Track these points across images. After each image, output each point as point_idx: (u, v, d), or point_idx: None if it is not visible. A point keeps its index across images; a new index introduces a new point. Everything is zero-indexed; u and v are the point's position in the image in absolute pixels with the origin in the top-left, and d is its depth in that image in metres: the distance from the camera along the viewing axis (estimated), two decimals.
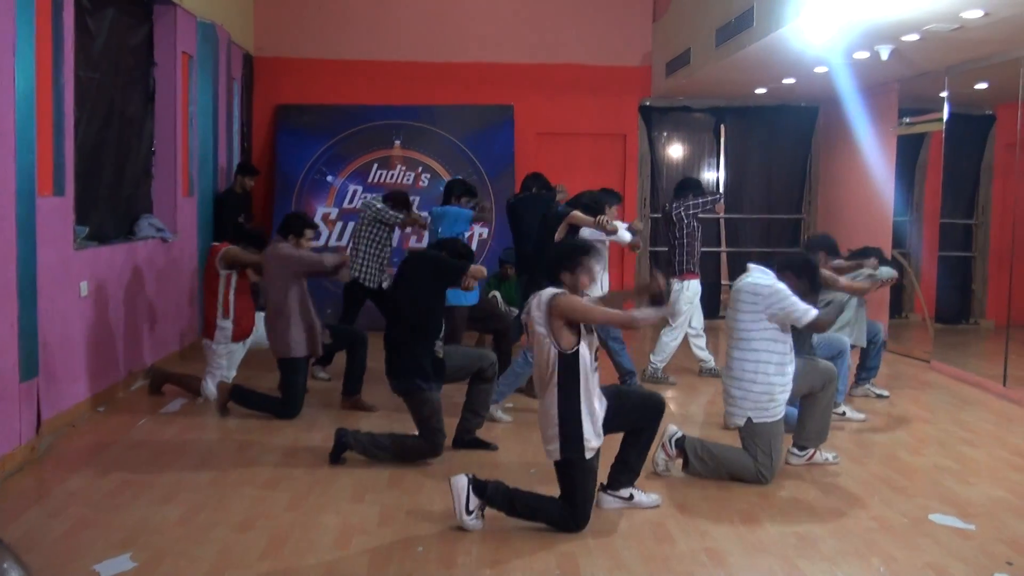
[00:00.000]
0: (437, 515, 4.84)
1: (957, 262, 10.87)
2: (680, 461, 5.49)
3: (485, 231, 11.20)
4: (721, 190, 11.97)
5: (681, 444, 5.45)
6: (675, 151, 12.27)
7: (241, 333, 7.22)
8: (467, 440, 6.03)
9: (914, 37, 7.50)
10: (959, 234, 10.88)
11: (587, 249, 4.82)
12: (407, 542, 4.49)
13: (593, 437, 4.66)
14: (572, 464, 4.64)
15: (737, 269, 11.84)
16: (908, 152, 10.36)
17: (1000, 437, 6.59)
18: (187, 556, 4.28)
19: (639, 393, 5.23)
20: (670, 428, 5.50)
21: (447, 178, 11.15)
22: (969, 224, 10.98)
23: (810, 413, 5.74)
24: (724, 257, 12.36)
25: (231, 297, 7.09)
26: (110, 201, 7.54)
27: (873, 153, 10.53)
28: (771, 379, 5.36)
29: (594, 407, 4.69)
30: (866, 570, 4.27)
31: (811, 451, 5.78)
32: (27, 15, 5.59)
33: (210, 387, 7.11)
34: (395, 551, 4.38)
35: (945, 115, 9.08)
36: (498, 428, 6.50)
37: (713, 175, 12.25)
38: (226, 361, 7.22)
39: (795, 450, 5.78)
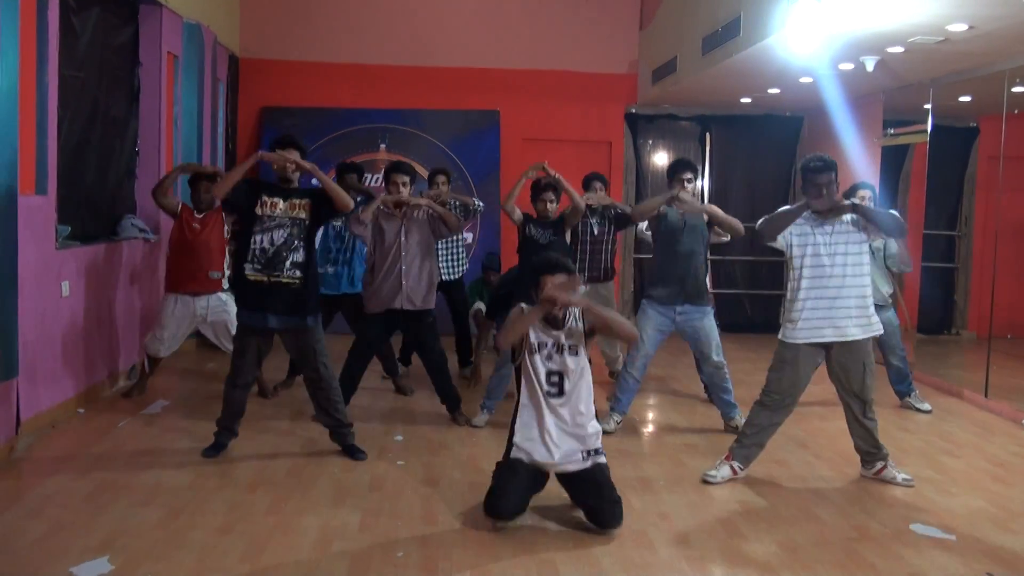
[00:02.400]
0: (417, 520, 4.82)
1: (940, 273, 10.91)
2: None
3: (469, 235, 11.18)
4: (706, 198, 12.04)
5: None
6: (660, 159, 12.28)
7: (169, 285, 7.30)
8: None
9: (899, 49, 7.54)
10: (942, 245, 10.92)
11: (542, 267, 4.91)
12: (387, 547, 4.47)
13: (523, 444, 4.85)
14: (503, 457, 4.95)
15: (721, 277, 11.89)
16: (892, 163, 10.39)
17: (980, 448, 6.61)
18: (165, 559, 4.25)
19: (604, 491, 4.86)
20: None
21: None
22: (952, 236, 11.03)
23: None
24: (708, 266, 12.35)
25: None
26: (93, 201, 7.50)
27: (857, 163, 10.55)
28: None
29: (533, 419, 4.86)
30: None
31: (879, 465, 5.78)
32: (11, 13, 5.57)
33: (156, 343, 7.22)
34: (375, 556, 4.36)
35: (929, 127, 9.13)
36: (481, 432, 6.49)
37: (698, 184, 12.27)
38: (164, 322, 7.23)
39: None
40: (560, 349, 4.86)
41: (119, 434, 6.31)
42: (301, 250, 5.60)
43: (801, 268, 5.43)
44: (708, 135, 12.21)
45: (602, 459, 4.89)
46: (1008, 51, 7.45)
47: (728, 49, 8.29)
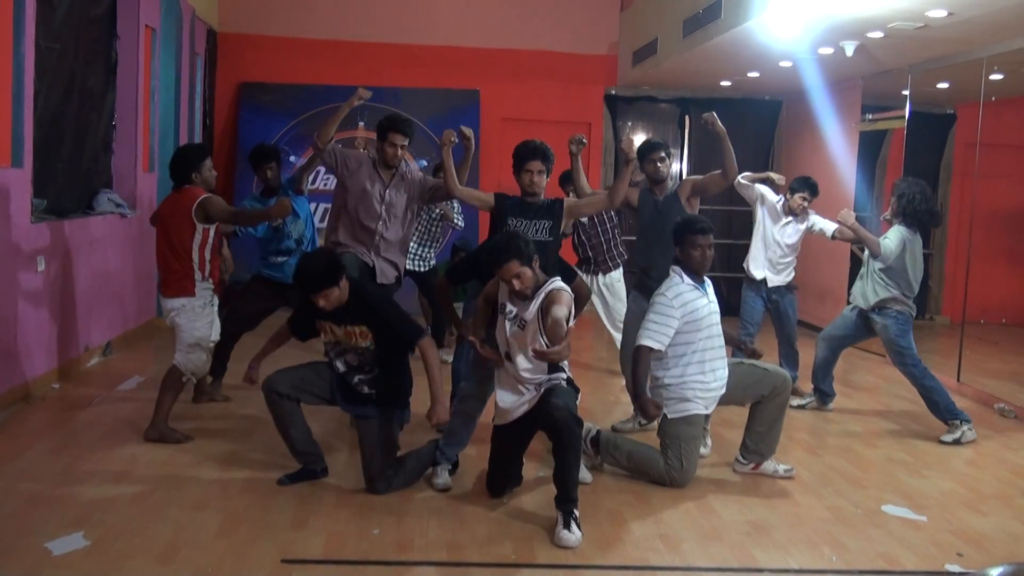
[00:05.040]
0: (393, 498, 4.83)
1: None
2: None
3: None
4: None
5: (596, 441, 5.33)
6: (639, 141, 12.23)
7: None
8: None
9: (879, 34, 7.57)
10: None
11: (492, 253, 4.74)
12: (363, 524, 4.48)
13: (501, 406, 4.82)
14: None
15: None
16: (870, 148, 10.46)
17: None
18: (141, 535, 4.24)
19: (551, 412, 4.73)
20: (584, 425, 5.23)
21: (411, 161, 11.10)
22: None
23: (755, 421, 5.45)
24: None
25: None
26: (69, 175, 7.43)
27: (835, 148, 10.62)
28: (681, 375, 5.17)
29: (503, 386, 4.84)
30: (818, 559, 4.32)
31: (754, 463, 5.49)
32: None
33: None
34: (350, 533, 4.37)
35: (907, 113, 9.18)
36: None
37: (677, 166, 12.30)
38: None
39: (739, 457, 5.53)
40: (516, 320, 4.74)
41: (94, 409, 6.28)
42: (376, 371, 4.96)
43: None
44: (687, 118, 12.23)
45: (556, 380, 4.75)
46: (987, 38, 7.49)
47: (709, 32, 8.30)
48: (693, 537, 4.52)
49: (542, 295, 4.65)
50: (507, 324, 4.77)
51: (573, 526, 4.38)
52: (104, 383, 6.97)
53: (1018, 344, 10.59)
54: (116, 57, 8.25)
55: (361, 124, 11.14)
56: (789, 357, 7.28)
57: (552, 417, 4.55)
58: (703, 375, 5.18)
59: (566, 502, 4.47)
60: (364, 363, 4.94)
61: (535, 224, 5.40)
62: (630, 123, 12.26)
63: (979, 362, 8.53)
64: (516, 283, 4.63)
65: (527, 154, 5.44)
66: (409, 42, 11.57)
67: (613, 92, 12.08)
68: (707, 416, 5.43)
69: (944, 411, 6.43)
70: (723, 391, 5.26)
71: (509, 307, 4.79)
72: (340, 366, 4.98)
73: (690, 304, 5.16)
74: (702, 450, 5.60)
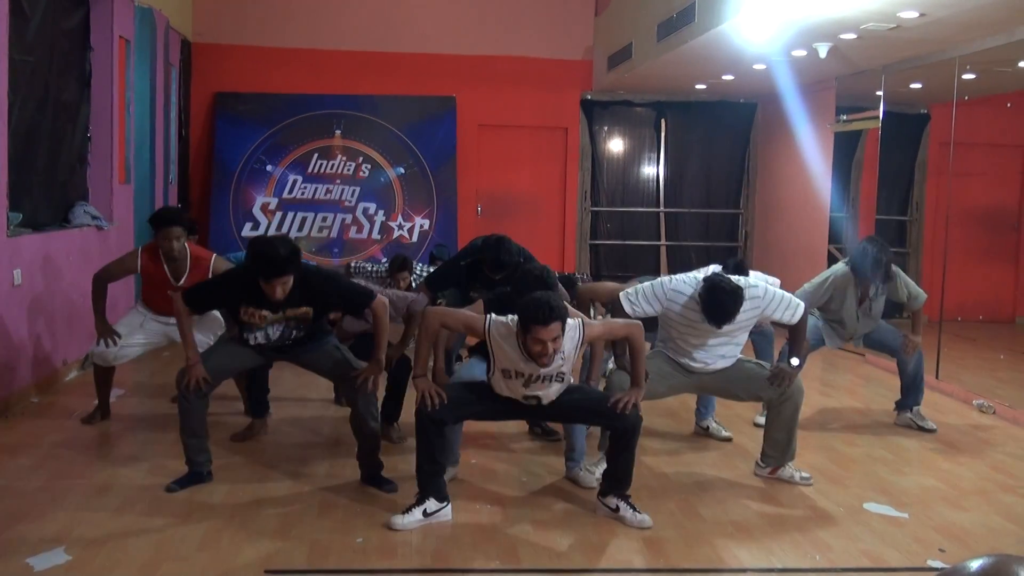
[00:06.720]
0: (378, 507, 4.82)
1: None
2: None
3: (426, 222, 11.16)
4: (661, 184, 12.15)
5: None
6: (616, 145, 12.34)
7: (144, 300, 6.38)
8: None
9: (852, 36, 7.62)
10: (894, 230, 11.07)
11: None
12: (346, 533, 4.46)
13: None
14: None
15: (676, 262, 11.96)
16: (845, 149, 10.53)
17: None
18: (123, 549, 4.21)
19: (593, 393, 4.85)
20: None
21: (388, 169, 11.12)
22: (904, 220, 11.18)
23: (771, 427, 5.42)
24: (664, 251, 12.47)
25: None
26: (44, 187, 7.38)
27: (810, 149, 10.69)
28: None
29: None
30: (802, 558, 4.34)
31: (772, 467, 5.45)
32: None
33: None
34: (334, 542, 4.35)
35: (881, 113, 9.25)
36: None
37: (653, 170, 12.36)
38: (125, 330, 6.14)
39: (759, 461, 5.51)
40: (542, 379, 4.51)
41: (73, 424, 6.23)
42: (304, 330, 4.96)
43: None
44: (663, 121, 12.31)
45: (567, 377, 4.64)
46: (958, 38, 7.55)
47: (683, 35, 8.34)
48: (676, 539, 4.52)
49: (577, 339, 4.46)
50: (521, 384, 4.52)
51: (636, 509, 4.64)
52: (83, 397, 6.91)
53: (995, 340, 10.68)
54: (90, 69, 8.21)
55: (338, 133, 11.15)
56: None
57: (626, 420, 4.57)
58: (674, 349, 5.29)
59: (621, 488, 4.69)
60: (292, 328, 4.94)
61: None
62: (606, 127, 12.30)
63: (957, 359, 8.60)
64: (551, 346, 4.22)
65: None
66: (385, 50, 11.57)
67: (589, 97, 12.12)
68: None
69: (919, 395, 6.77)
70: (698, 367, 5.24)
71: (521, 369, 4.46)
72: (262, 337, 4.91)
73: (677, 308, 5.13)
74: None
